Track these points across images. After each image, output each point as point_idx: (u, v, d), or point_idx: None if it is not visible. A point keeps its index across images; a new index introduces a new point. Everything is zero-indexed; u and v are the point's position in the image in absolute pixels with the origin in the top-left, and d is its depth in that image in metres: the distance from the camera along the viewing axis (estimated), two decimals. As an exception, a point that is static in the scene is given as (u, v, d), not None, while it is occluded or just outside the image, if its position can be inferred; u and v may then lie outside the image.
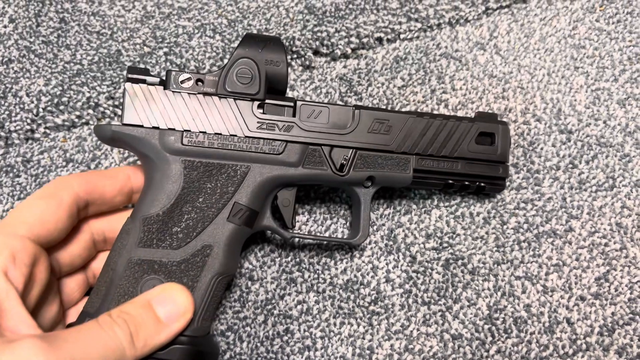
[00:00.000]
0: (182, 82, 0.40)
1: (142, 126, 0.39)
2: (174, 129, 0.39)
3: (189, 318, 0.35)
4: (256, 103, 0.41)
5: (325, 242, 0.45)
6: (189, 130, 0.40)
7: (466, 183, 0.44)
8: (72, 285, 0.39)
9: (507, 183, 0.48)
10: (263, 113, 0.41)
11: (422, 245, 0.45)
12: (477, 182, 0.44)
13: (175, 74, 0.40)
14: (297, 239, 0.45)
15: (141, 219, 0.37)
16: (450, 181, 0.44)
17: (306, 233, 0.45)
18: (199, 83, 0.40)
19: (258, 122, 0.41)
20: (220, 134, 0.40)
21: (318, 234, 0.46)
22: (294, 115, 0.42)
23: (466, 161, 0.44)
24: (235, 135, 0.40)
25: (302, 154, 0.41)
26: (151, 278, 0.36)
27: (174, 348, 0.35)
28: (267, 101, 0.41)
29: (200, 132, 0.40)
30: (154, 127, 0.39)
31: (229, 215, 0.39)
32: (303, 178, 0.41)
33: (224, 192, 0.39)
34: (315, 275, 0.44)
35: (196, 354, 0.35)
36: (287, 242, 0.44)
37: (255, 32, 0.56)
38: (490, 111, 0.52)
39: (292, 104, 0.42)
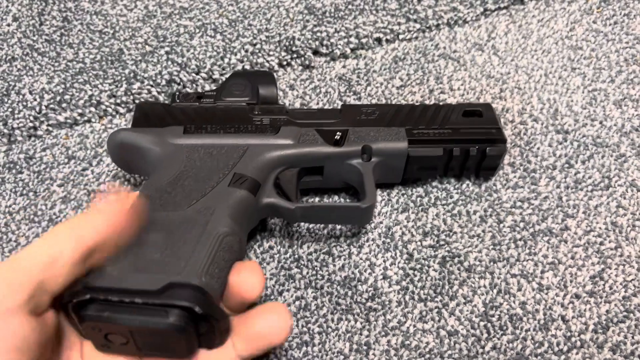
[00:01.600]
0: (184, 97, 0.46)
1: (148, 126, 0.44)
2: (176, 125, 0.44)
3: None
4: (251, 106, 0.46)
5: (330, 226, 0.46)
6: (191, 126, 0.44)
7: (465, 148, 0.45)
8: None
9: (505, 182, 0.49)
10: (257, 114, 0.45)
11: (419, 243, 0.46)
12: (477, 146, 0.45)
13: (179, 93, 0.47)
14: (302, 224, 0.46)
15: (148, 188, 0.38)
16: (448, 148, 0.44)
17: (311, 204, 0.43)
18: (199, 99, 0.46)
19: (253, 120, 0.45)
20: (220, 125, 0.44)
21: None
22: (286, 114, 0.46)
23: (458, 128, 0.45)
24: (233, 126, 0.44)
25: (297, 133, 0.44)
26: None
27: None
28: (260, 105, 0.46)
29: (202, 125, 0.44)
30: (159, 126, 0.44)
31: (230, 182, 0.40)
32: (301, 156, 0.43)
33: (224, 165, 0.41)
34: (314, 272, 0.45)
35: (203, 300, 0.31)
36: (292, 217, 0.42)
37: (255, 31, 0.57)
38: None
39: (283, 106, 0.46)
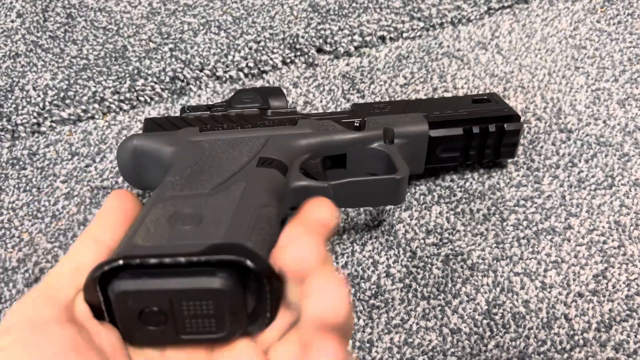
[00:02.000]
0: (194, 108, 0.46)
1: (162, 130, 0.43)
2: (192, 126, 0.43)
3: None
4: (263, 111, 0.45)
5: (368, 180, 0.42)
6: (206, 125, 0.43)
7: (483, 126, 0.45)
8: None
9: (509, 181, 0.49)
10: (270, 116, 0.45)
11: (422, 241, 0.46)
12: (494, 123, 0.45)
13: (189, 106, 0.46)
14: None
15: (172, 175, 0.36)
16: (467, 127, 0.45)
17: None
18: (209, 109, 0.46)
19: (269, 117, 0.45)
20: (235, 123, 0.44)
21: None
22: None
23: (472, 111, 0.46)
24: (250, 123, 0.43)
25: (315, 124, 0.44)
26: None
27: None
28: (272, 110, 0.46)
29: (217, 125, 0.43)
30: (173, 129, 0.43)
31: (257, 164, 0.38)
32: (322, 143, 0.43)
33: (248, 151, 0.39)
34: (317, 269, 0.45)
35: (253, 256, 0.27)
36: (326, 194, 0.40)
37: (259, 28, 0.57)
38: None
39: (294, 109, 0.46)
